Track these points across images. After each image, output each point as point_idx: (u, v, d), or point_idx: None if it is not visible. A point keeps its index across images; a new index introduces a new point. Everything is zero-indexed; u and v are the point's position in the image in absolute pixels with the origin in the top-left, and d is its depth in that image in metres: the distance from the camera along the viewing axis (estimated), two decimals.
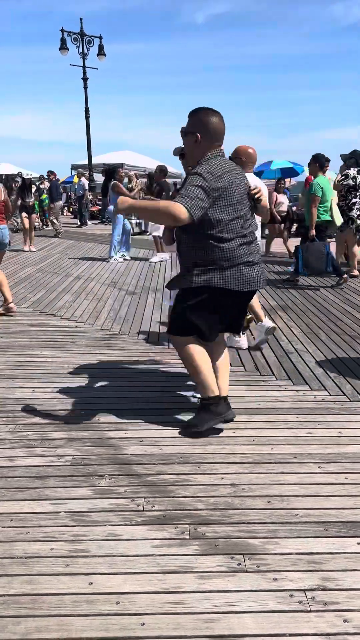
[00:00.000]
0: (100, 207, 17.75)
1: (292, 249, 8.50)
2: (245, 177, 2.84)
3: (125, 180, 13.14)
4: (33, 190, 11.25)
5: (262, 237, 7.94)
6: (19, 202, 10.67)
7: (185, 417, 3.16)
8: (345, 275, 7.02)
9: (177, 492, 2.43)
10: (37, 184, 14.66)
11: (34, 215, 11.16)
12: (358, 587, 1.86)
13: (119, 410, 3.29)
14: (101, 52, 19.71)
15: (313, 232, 6.97)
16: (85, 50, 19.33)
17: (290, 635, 1.67)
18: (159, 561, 1.99)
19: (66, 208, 21.08)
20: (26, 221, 10.73)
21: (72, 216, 19.03)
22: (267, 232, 10.62)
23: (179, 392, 3.55)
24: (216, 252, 2.71)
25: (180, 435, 2.95)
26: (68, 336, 4.92)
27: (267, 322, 4.38)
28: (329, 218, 7.13)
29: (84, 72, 19.59)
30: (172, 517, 2.25)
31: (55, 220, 13.61)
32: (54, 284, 7.37)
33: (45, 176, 16.04)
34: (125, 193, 10.05)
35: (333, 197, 7.25)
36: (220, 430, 2.99)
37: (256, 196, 2.84)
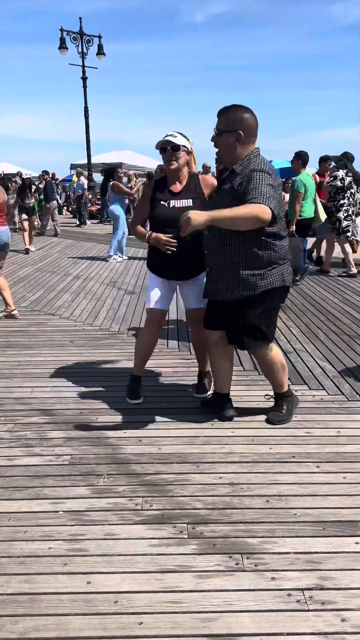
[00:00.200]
0: (99, 207, 17.73)
1: None
2: None
3: (125, 179, 13.12)
4: (32, 190, 11.20)
5: None
6: (18, 202, 10.62)
7: (186, 417, 3.16)
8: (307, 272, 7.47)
9: (176, 491, 2.43)
10: (37, 183, 14.62)
11: (33, 217, 11.11)
12: (356, 587, 1.86)
13: (118, 409, 3.29)
14: (100, 51, 19.68)
15: (293, 227, 7.03)
16: (85, 50, 19.32)
17: (288, 634, 1.68)
18: (157, 560, 1.99)
19: (65, 207, 21.04)
20: (25, 223, 10.66)
21: (71, 215, 19.00)
22: None
23: (177, 392, 3.55)
24: (276, 251, 2.74)
25: (179, 435, 2.95)
26: (67, 336, 4.92)
27: None
28: (312, 215, 7.18)
29: (83, 72, 19.57)
30: (170, 517, 2.25)
31: (51, 220, 13.56)
32: (52, 283, 7.37)
33: (41, 176, 15.99)
34: (126, 192, 10.03)
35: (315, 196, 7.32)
36: (221, 429, 2.99)
37: None
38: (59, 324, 5.33)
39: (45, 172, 14.88)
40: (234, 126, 2.68)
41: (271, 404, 3.26)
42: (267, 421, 3.10)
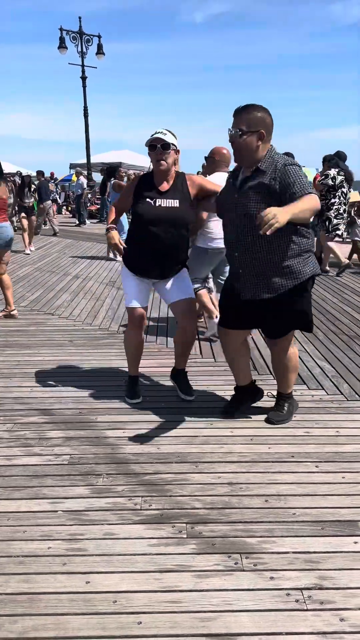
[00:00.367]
0: (98, 207, 17.72)
1: None
2: None
3: (125, 179, 13.12)
4: (32, 189, 11.16)
5: None
6: (17, 202, 10.59)
7: (185, 417, 3.17)
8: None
9: (175, 491, 2.43)
10: (37, 183, 14.59)
11: (32, 217, 11.08)
12: (355, 586, 1.87)
13: (117, 409, 3.29)
14: (100, 51, 19.70)
15: None
16: (84, 49, 19.34)
17: (287, 634, 1.68)
18: (156, 560, 2.00)
19: (65, 207, 21.02)
20: (25, 222, 10.63)
21: (71, 215, 19.00)
22: None
23: (176, 392, 3.55)
24: (309, 240, 2.78)
25: (178, 435, 2.96)
26: (66, 335, 4.92)
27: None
28: None
29: (83, 71, 19.59)
30: (169, 516, 2.25)
31: (47, 220, 13.54)
32: (52, 283, 7.37)
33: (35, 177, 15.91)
34: None
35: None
36: (220, 429, 3.00)
37: None
38: (58, 324, 5.33)
39: (40, 173, 14.81)
40: (257, 126, 2.69)
41: (270, 404, 3.26)
42: (267, 421, 3.10)
